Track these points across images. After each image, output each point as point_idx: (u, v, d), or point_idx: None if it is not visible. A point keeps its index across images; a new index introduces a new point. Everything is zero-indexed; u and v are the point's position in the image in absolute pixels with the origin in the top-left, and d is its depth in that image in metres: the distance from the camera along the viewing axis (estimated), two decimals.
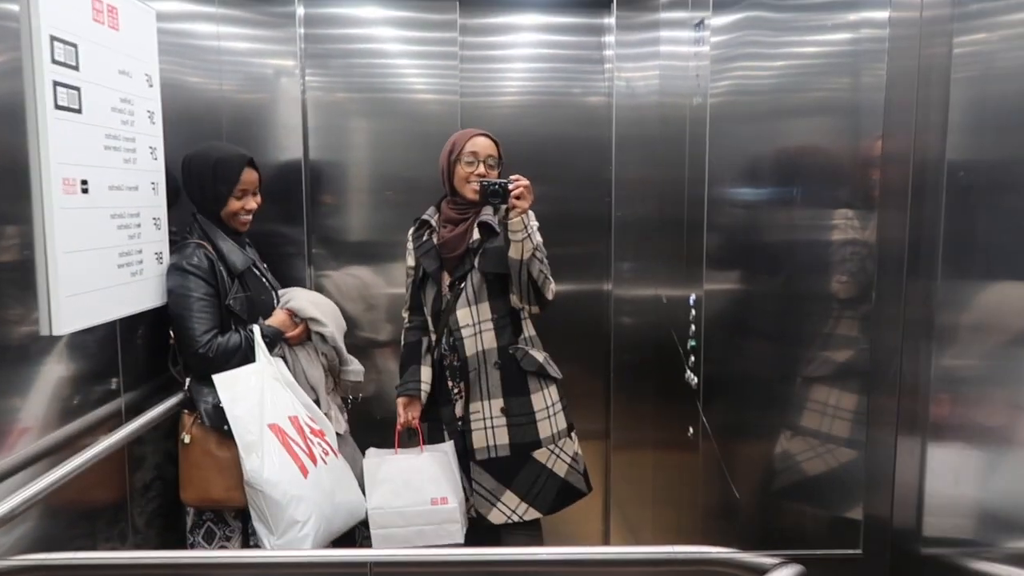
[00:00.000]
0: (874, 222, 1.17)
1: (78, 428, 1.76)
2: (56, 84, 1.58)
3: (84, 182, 1.69)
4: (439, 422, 2.39)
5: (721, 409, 2.03)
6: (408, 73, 2.94)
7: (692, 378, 2.25)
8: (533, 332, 2.39)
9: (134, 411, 1.98)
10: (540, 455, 2.29)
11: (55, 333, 1.62)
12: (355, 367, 2.45)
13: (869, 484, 1.18)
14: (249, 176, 2.19)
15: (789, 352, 1.50)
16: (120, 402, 1.95)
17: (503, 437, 2.26)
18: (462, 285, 2.28)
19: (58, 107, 1.59)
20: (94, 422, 1.82)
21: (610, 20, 2.86)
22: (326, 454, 2.12)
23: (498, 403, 2.26)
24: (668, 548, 1.19)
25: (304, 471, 2.01)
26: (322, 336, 2.32)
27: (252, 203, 2.22)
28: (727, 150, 1.97)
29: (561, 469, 2.32)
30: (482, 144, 2.29)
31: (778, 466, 1.58)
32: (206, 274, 2.07)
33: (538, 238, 2.24)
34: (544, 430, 2.29)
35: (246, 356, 2.09)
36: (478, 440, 2.27)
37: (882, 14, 1.14)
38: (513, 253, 2.14)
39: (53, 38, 1.57)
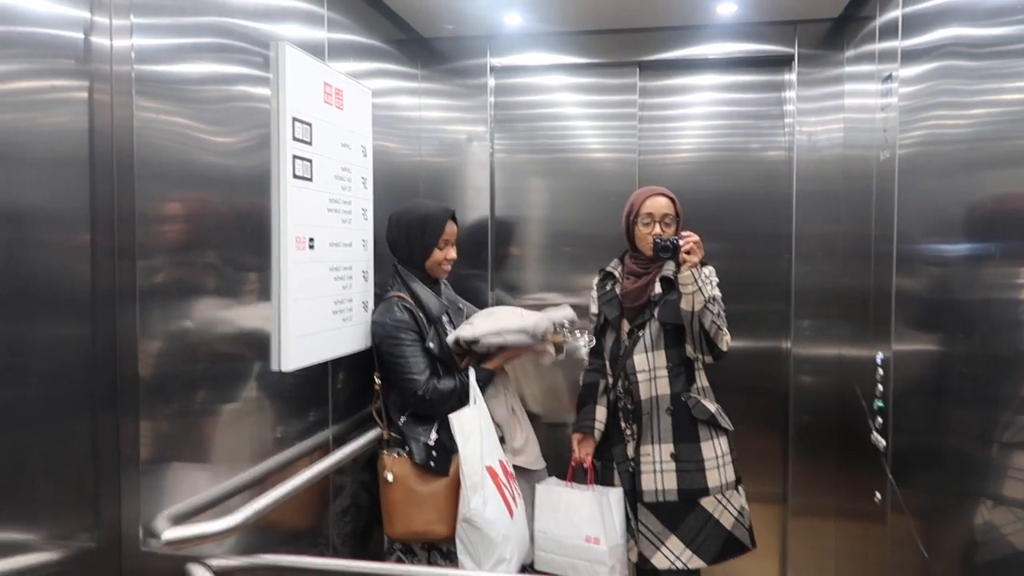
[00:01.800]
0: None
1: (298, 452, 2.00)
2: (295, 157, 1.87)
3: (311, 240, 1.96)
4: (611, 461, 2.47)
5: (913, 475, 1.93)
6: (588, 134, 3.10)
7: (879, 440, 2.15)
8: (707, 383, 2.44)
9: (339, 442, 2.21)
10: (707, 503, 2.31)
11: (284, 369, 1.87)
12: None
13: None
14: (451, 228, 2.38)
15: (987, 416, 1.43)
16: (328, 433, 2.18)
17: (672, 482, 2.31)
18: (640, 333, 2.38)
19: (295, 176, 1.87)
20: (310, 448, 2.06)
21: (791, 76, 2.86)
22: (516, 496, 2.25)
23: (668, 448, 2.32)
24: None
25: (511, 511, 2.15)
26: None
27: (453, 252, 2.40)
28: (917, 204, 1.91)
29: (727, 521, 2.33)
30: (658, 204, 2.39)
31: (979, 538, 1.49)
32: (409, 325, 2.25)
33: (715, 292, 2.30)
34: (712, 479, 2.32)
35: (460, 399, 2.24)
36: (647, 483, 2.32)
37: None
38: (684, 305, 2.23)
39: (295, 119, 1.86)
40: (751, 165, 2.97)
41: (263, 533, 1.88)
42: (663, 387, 2.34)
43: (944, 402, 1.69)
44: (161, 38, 1.48)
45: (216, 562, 1.43)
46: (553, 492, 2.45)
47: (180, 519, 1.51)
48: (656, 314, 2.35)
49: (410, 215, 2.35)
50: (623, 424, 2.43)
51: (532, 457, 2.51)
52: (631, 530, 2.39)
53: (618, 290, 2.47)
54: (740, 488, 2.40)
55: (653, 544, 2.32)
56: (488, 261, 3.10)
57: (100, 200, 1.32)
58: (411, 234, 2.34)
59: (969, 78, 1.57)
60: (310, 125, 1.94)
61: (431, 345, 2.28)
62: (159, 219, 1.47)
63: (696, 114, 3.05)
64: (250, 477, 1.79)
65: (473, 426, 2.18)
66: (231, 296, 1.72)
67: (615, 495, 2.38)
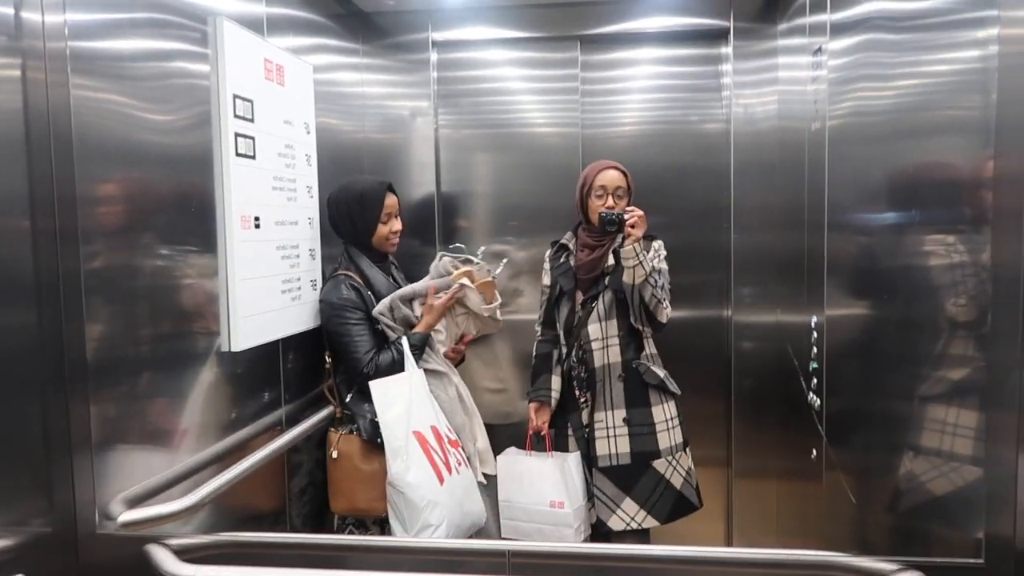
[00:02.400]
0: (989, 243, 1.19)
1: (252, 432, 2.00)
2: (237, 135, 1.85)
3: (257, 218, 1.95)
4: (566, 428, 2.55)
5: (844, 431, 2.04)
6: (531, 109, 3.12)
7: (815, 400, 2.26)
8: (655, 350, 2.55)
9: (292, 421, 2.22)
10: (659, 465, 2.43)
11: (234, 349, 1.86)
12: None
13: (990, 498, 1.19)
14: (391, 200, 2.38)
15: (909, 373, 1.52)
16: (281, 412, 2.19)
17: (625, 446, 2.42)
18: (594, 304, 2.47)
19: (238, 154, 1.85)
20: (263, 428, 2.06)
21: (727, 50, 2.93)
22: (460, 464, 2.27)
23: (621, 413, 2.43)
24: (787, 551, 1.24)
25: (441, 478, 2.16)
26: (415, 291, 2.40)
27: (397, 224, 2.40)
28: (846, 174, 2.00)
29: (677, 481, 2.44)
30: (610, 177, 2.45)
31: (901, 485, 1.59)
32: (355, 304, 2.26)
33: (662, 265, 2.41)
34: (663, 441, 2.43)
35: (400, 367, 2.26)
36: (601, 447, 2.43)
37: (989, 32, 1.18)
38: (626, 278, 2.33)
39: (235, 96, 1.84)
40: (691, 138, 3.04)
41: (224, 515, 1.88)
42: (615, 355, 2.44)
43: (871, 362, 1.79)
44: (95, 13, 1.44)
45: (176, 542, 1.43)
46: (514, 461, 2.53)
47: (136, 501, 1.51)
48: (608, 283, 2.44)
49: (347, 193, 2.34)
50: (577, 392, 2.51)
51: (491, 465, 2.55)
52: (589, 495, 2.48)
53: (572, 262, 2.53)
54: (687, 450, 2.52)
55: (609, 507, 2.42)
56: (435, 236, 3.11)
57: (39, 183, 1.30)
58: (352, 212, 2.33)
59: (892, 51, 1.64)
60: (251, 102, 1.92)
61: (380, 326, 2.29)
62: (101, 200, 1.45)
63: (636, 87, 3.10)
64: (205, 457, 1.78)
65: (399, 392, 2.19)
66: (178, 277, 1.70)
67: (573, 459, 2.47)
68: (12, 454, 1.27)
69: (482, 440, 2.50)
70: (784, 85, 2.74)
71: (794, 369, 2.61)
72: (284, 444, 2.04)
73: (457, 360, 2.54)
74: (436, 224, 3.12)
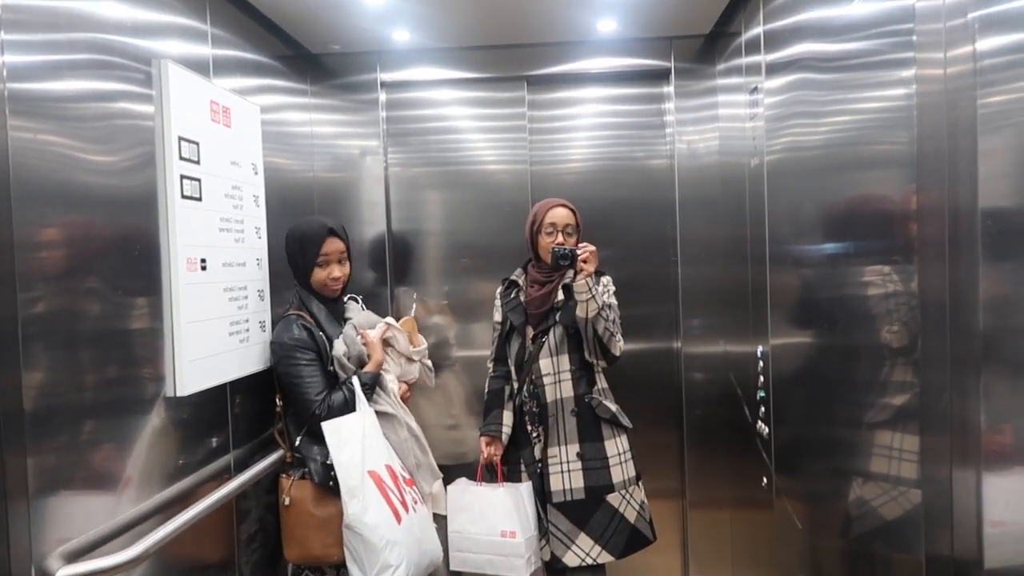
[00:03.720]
0: (916, 273, 1.25)
1: (198, 479, 1.95)
2: (183, 177, 1.83)
3: (203, 260, 1.92)
4: (519, 464, 2.55)
5: (792, 458, 2.08)
6: (480, 147, 3.16)
7: (763, 428, 2.31)
8: (606, 384, 2.57)
9: (241, 466, 2.16)
10: (613, 499, 2.43)
11: (179, 394, 1.82)
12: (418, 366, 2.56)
13: (928, 519, 1.23)
14: (332, 244, 2.30)
15: (850, 400, 1.57)
16: (230, 458, 2.14)
17: (578, 480, 2.42)
18: (544, 339, 2.48)
19: (184, 196, 1.83)
20: (210, 474, 2.01)
21: (669, 89, 3.02)
22: (416, 502, 2.24)
23: (574, 448, 2.43)
24: None
25: (398, 517, 2.13)
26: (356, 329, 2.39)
27: (337, 271, 2.30)
28: (784, 207, 2.07)
29: (631, 515, 2.45)
30: (559, 215, 2.49)
31: (852, 512, 1.63)
32: (307, 344, 2.21)
33: (611, 300, 2.44)
34: (616, 475, 2.44)
35: (352, 409, 2.21)
36: (555, 483, 2.43)
37: (908, 72, 1.25)
38: (579, 312, 2.35)
39: (180, 138, 1.83)
40: (636, 173, 3.11)
41: (168, 566, 1.83)
42: (567, 389, 2.46)
43: (815, 390, 1.84)
44: (35, 55, 1.43)
45: None
46: (465, 491, 2.53)
47: (76, 555, 1.46)
48: (558, 319, 2.46)
49: (291, 233, 2.32)
50: (529, 427, 2.52)
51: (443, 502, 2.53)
52: (542, 529, 2.47)
53: (522, 298, 2.56)
54: (640, 483, 2.53)
55: (563, 543, 2.41)
56: (387, 275, 3.11)
57: None
58: (293, 252, 2.31)
59: (822, 89, 1.72)
60: (197, 144, 1.91)
61: (332, 368, 2.26)
62: (39, 245, 1.41)
63: (583, 125, 3.17)
64: (149, 507, 1.73)
65: (352, 431, 2.16)
66: (121, 321, 1.67)
67: (525, 488, 2.48)
68: None
69: (436, 482, 2.48)
70: (724, 122, 2.84)
71: (739, 398, 2.66)
72: (232, 491, 2.00)
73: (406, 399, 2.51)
74: (388, 262, 3.11)
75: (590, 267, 2.33)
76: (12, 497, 1.32)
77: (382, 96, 3.08)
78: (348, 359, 2.28)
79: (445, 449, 3.06)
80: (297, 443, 2.26)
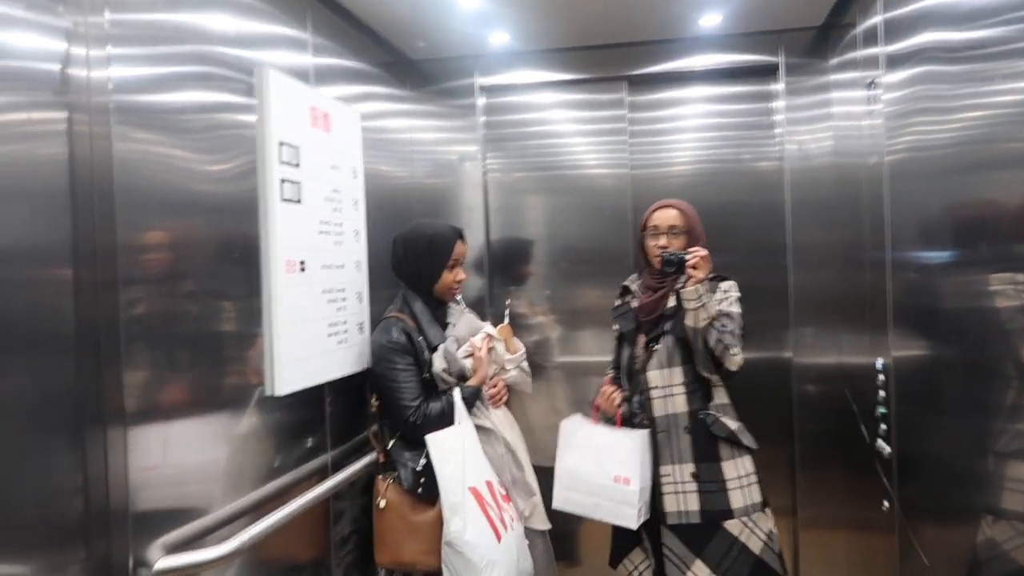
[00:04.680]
0: None
1: (295, 478, 1.99)
2: (282, 180, 1.87)
3: (302, 262, 1.96)
4: None
5: (916, 483, 1.91)
6: (579, 150, 3.11)
7: (884, 447, 2.13)
8: (726, 400, 2.34)
9: (337, 466, 2.19)
10: (732, 526, 2.21)
11: (277, 394, 1.86)
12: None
13: None
14: (460, 248, 2.34)
15: (981, 424, 1.41)
16: (327, 458, 2.17)
17: (694, 503, 2.22)
18: (655, 348, 2.31)
19: (283, 199, 1.87)
20: (306, 473, 2.04)
21: (778, 86, 2.87)
22: (513, 520, 2.19)
23: (688, 467, 2.23)
24: None
25: (498, 536, 2.08)
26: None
27: (461, 274, 2.36)
28: (907, 210, 1.91)
29: (755, 545, 2.21)
30: (662, 216, 2.36)
31: (982, 555, 1.47)
32: (405, 348, 2.21)
33: (732, 308, 2.23)
34: (736, 500, 2.22)
35: (449, 420, 2.18)
36: (669, 503, 2.24)
37: None
38: (688, 321, 2.18)
39: (281, 142, 1.87)
40: (743, 176, 2.97)
41: (263, 564, 1.86)
42: (680, 404, 2.27)
43: (942, 409, 1.68)
44: (140, 67, 1.48)
45: None
46: (580, 429, 2.39)
47: (174, 548, 1.50)
48: (669, 327, 2.29)
49: (416, 235, 2.32)
50: None
51: (539, 517, 2.42)
52: (656, 550, 2.30)
53: (634, 304, 2.43)
54: (768, 511, 2.30)
55: (679, 568, 2.23)
56: (485, 280, 3.10)
57: (82, 232, 1.32)
58: (419, 255, 2.29)
59: (950, 82, 1.57)
60: (297, 148, 1.95)
61: (428, 375, 2.24)
62: (142, 249, 1.47)
63: (686, 127, 3.06)
64: (246, 504, 1.77)
65: (454, 446, 2.13)
66: (221, 323, 1.72)
67: (643, 437, 2.28)
68: (51, 501, 1.27)
69: (532, 498, 2.39)
70: (839, 120, 2.66)
71: (854, 413, 2.48)
72: (327, 490, 2.02)
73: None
74: (486, 267, 3.10)
75: (700, 273, 2.15)
76: (114, 490, 1.37)
77: (480, 100, 3.08)
78: (449, 374, 2.25)
79: (548, 451, 3.01)
80: (390, 446, 2.26)
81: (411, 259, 2.30)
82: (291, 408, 1.97)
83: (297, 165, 1.95)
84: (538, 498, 2.41)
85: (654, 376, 2.29)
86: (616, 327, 2.48)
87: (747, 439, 2.29)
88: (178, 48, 1.59)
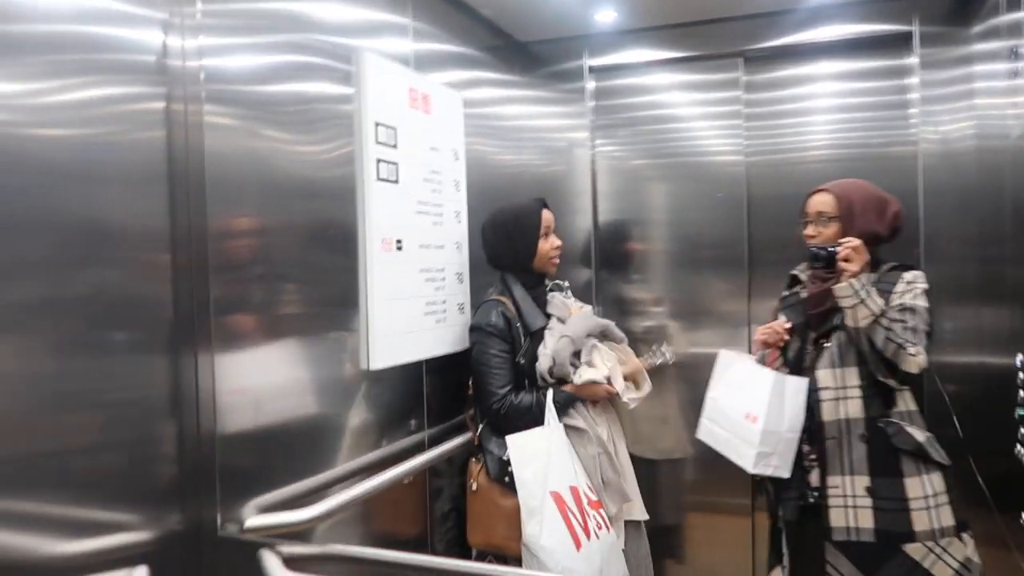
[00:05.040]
0: None
1: (390, 452, 2.03)
2: (379, 160, 1.92)
3: (399, 241, 2.00)
4: (790, 489, 2.16)
5: None
6: (691, 135, 3.01)
7: (1022, 452, 1.91)
8: (912, 406, 2.09)
9: (433, 444, 2.21)
10: (914, 551, 1.97)
11: (372, 368, 1.91)
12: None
13: None
14: (547, 216, 2.32)
15: None
16: (423, 436, 2.20)
17: (867, 520, 1.99)
18: (826, 344, 2.12)
19: (380, 179, 1.92)
20: (401, 449, 2.08)
21: (912, 59, 2.64)
22: (599, 528, 2.12)
23: (862, 481, 2.01)
24: None
25: (578, 543, 2.02)
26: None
27: (557, 240, 2.32)
28: None
29: (943, 574, 1.97)
30: (812, 202, 2.18)
31: None
32: (502, 333, 2.19)
33: (913, 302, 2.00)
34: (921, 522, 1.97)
35: (536, 419, 2.14)
36: (836, 517, 2.03)
37: None
38: (848, 320, 2.00)
39: (378, 123, 1.91)
40: (871, 162, 2.75)
41: (366, 537, 1.92)
42: (855, 409, 2.04)
43: None
44: (236, 56, 1.55)
45: (287, 549, 1.47)
46: (732, 361, 2.30)
47: (265, 509, 1.57)
48: (840, 323, 2.07)
49: (502, 215, 2.31)
50: (805, 447, 2.14)
51: (638, 507, 2.36)
52: (819, 570, 2.08)
53: (804, 295, 2.24)
54: (966, 536, 2.02)
55: None
56: (592, 266, 3.06)
57: (178, 216, 1.40)
58: (510, 232, 2.27)
59: None
60: (394, 129, 1.99)
61: (522, 361, 2.21)
62: (237, 231, 1.54)
63: (807, 108, 2.88)
64: (339, 474, 1.82)
65: (537, 448, 2.09)
66: (317, 299, 1.78)
67: (796, 383, 2.10)
68: (154, 463, 1.37)
69: (631, 502, 2.31)
70: (982, 97, 2.42)
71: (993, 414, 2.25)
72: (420, 464, 2.04)
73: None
74: (594, 253, 3.07)
75: (852, 266, 1.97)
76: (207, 456, 1.44)
77: (589, 84, 3.04)
78: (551, 373, 2.20)
79: (653, 443, 2.94)
80: (480, 431, 2.26)
81: (502, 239, 2.29)
82: (388, 384, 2.02)
83: (394, 146, 1.99)
84: (635, 501, 2.33)
85: (824, 376, 2.09)
86: (784, 320, 2.27)
87: (938, 453, 2.03)
88: (274, 37, 1.65)
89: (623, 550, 2.22)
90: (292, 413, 1.69)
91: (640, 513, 2.35)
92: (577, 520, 2.06)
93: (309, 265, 1.75)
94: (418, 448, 2.16)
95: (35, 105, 1.18)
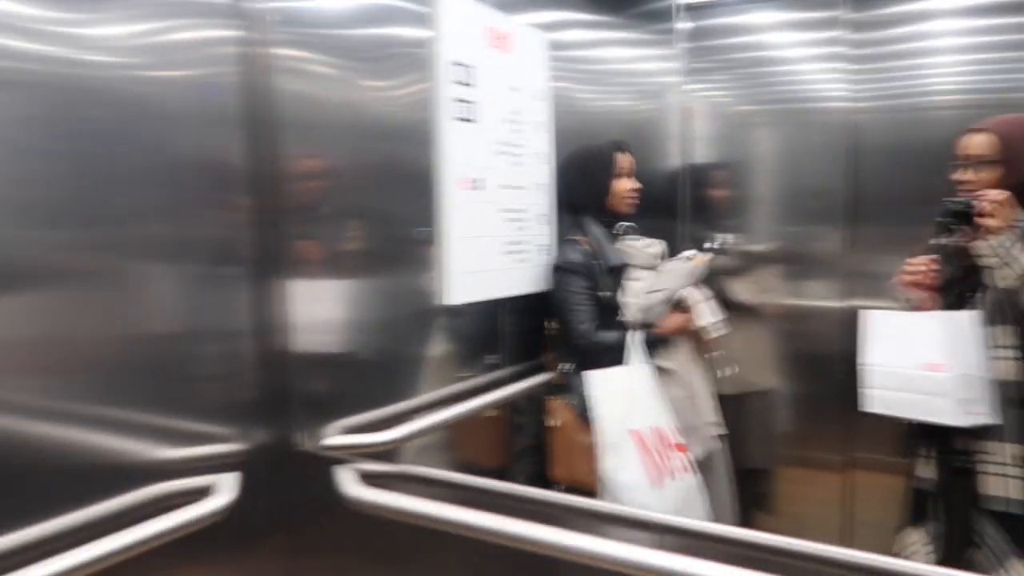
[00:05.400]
0: None
1: (468, 386, 2.09)
2: (455, 100, 1.94)
3: (477, 180, 2.04)
4: (922, 448, 2.05)
5: None
6: (791, 79, 2.89)
7: None
8: None
9: (509, 382, 2.25)
10: None
11: (448, 303, 1.97)
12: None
13: None
14: (622, 159, 2.33)
15: None
16: (498, 375, 2.24)
17: (1017, 490, 1.84)
18: (973, 298, 1.94)
19: (456, 119, 1.95)
20: (481, 384, 2.14)
21: None
22: (684, 470, 2.14)
23: (1014, 448, 1.85)
24: None
25: (655, 482, 2.05)
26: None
27: (633, 183, 2.34)
28: None
29: None
30: (965, 143, 1.95)
31: None
32: (582, 270, 2.25)
33: None
34: None
35: (619, 356, 2.17)
36: (992, 485, 1.87)
37: None
38: (992, 279, 1.83)
39: (453, 62, 1.94)
40: (1011, 110, 2.50)
41: (453, 465, 2.00)
42: (1007, 370, 1.86)
43: None
44: None
45: (364, 467, 1.56)
46: (885, 317, 2.06)
47: (344, 431, 1.67)
48: (986, 278, 1.89)
49: (573, 157, 2.35)
50: None
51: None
52: (966, 536, 1.98)
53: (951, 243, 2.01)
54: None
55: (992, 561, 1.90)
56: (680, 212, 3.00)
57: (255, 156, 1.46)
58: (582, 174, 2.33)
59: None
60: (472, 68, 2.00)
61: (605, 295, 2.25)
62: (314, 172, 1.61)
63: (928, 49, 2.66)
64: (416, 404, 1.90)
65: (617, 388, 2.11)
66: (395, 237, 1.86)
67: (966, 317, 1.90)
68: (242, 383, 1.48)
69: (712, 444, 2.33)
70: None
71: None
72: (497, 399, 2.10)
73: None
74: (683, 200, 3.00)
75: (993, 222, 1.76)
76: (288, 377, 1.55)
77: (682, 24, 2.95)
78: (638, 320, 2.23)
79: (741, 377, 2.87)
80: (566, 369, 2.31)
81: (575, 180, 2.34)
82: (466, 320, 2.08)
83: (471, 85, 2.01)
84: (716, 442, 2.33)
85: None
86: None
87: None
88: None
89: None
90: (370, 343, 1.77)
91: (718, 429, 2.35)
92: (658, 460, 2.09)
93: (386, 203, 1.82)
94: (496, 384, 2.22)
95: (126, 47, 1.26)
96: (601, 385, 2.13)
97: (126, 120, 1.26)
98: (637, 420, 2.10)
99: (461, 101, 1.97)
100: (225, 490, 1.32)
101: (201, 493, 1.32)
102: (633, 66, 3.02)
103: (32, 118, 1.14)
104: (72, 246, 1.20)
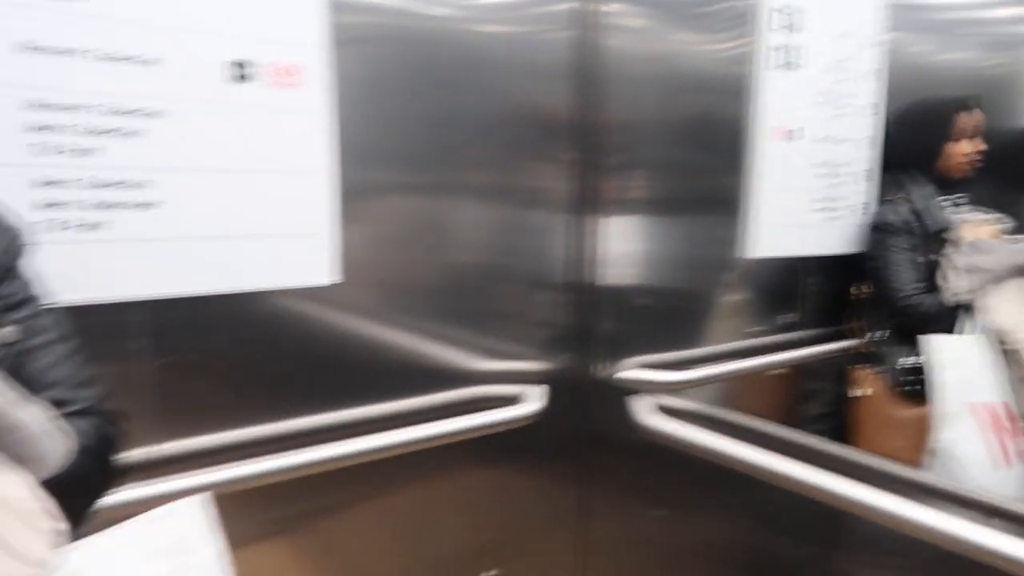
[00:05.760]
0: None
1: (763, 342, 2.07)
2: (775, 47, 1.88)
3: (791, 131, 1.96)
4: None
5: None
6: None
7: None
8: None
9: (807, 345, 2.17)
10: None
11: (751, 256, 1.95)
12: None
13: None
14: (965, 119, 2.09)
15: None
16: (796, 336, 2.17)
17: None
18: None
19: (775, 67, 1.89)
20: (776, 343, 2.10)
21: None
22: (1020, 457, 1.93)
23: None
24: None
25: (1000, 462, 1.88)
26: None
27: (973, 146, 2.11)
28: None
29: None
30: None
31: None
32: (902, 229, 2.08)
33: None
34: None
35: (944, 328, 2.01)
36: None
37: None
38: None
39: (774, 9, 1.88)
40: None
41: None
42: None
43: None
44: None
45: (663, 400, 1.63)
46: None
47: (640, 366, 1.76)
48: None
49: (909, 109, 2.15)
50: None
51: None
52: None
53: None
54: None
55: None
56: None
57: (585, 110, 1.58)
58: (914, 130, 2.14)
59: None
60: (791, 14, 1.92)
61: (928, 259, 2.06)
62: (634, 124, 1.68)
63: None
64: (710, 352, 1.93)
65: (960, 355, 1.93)
66: (703, 187, 1.87)
67: None
68: (555, 310, 1.64)
69: None
70: None
71: None
72: (793, 358, 2.06)
73: None
74: None
75: None
76: (595, 309, 1.67)
77: None
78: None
79: None
80: (878, 337, 2.17)
81: (906, 135, 2.15)
82: (767, 276, 2.04)
83: (795, 30, 1.93)
84: None
85: None
86: None
87: None
88: None
89: None
90: (670, 288, 1.84)
91: None
92: (999, 441, 1.91)
93: (697, 154, 1.84)
94: (790, 345, 2.15)
95: (473, 4, 1.43)
96: (937, 352, 1.96)
97: (470, 70, 1.44)
98: (978, 393, 1.92)
99: (783, 47, 1.90)
100: (534, 399, 1.49)
101: (511, 400, 1.51)
102: (987, 13, 2.63)
103: (395, 67, 1.35)
104: (430, 187, 1.42)
